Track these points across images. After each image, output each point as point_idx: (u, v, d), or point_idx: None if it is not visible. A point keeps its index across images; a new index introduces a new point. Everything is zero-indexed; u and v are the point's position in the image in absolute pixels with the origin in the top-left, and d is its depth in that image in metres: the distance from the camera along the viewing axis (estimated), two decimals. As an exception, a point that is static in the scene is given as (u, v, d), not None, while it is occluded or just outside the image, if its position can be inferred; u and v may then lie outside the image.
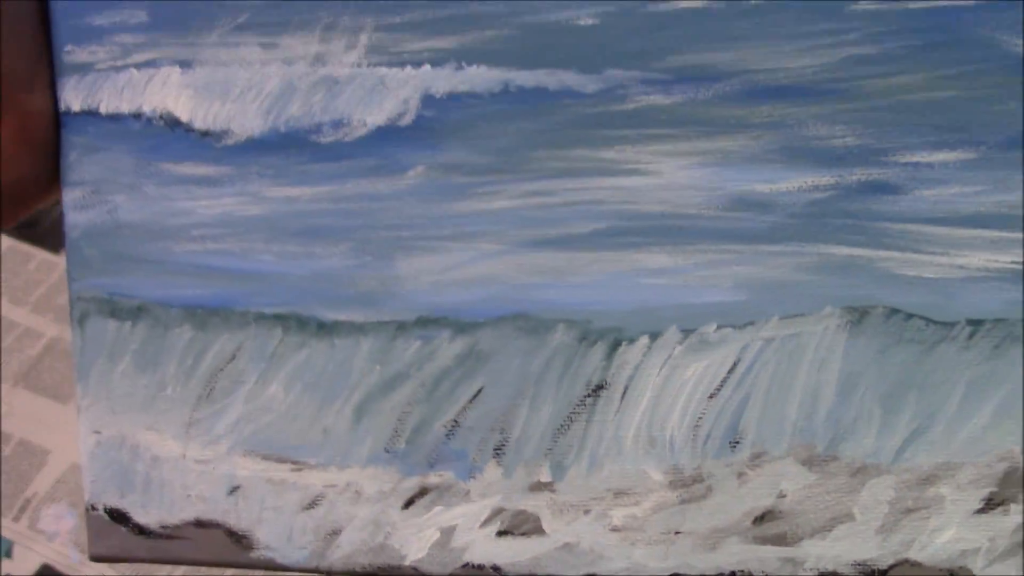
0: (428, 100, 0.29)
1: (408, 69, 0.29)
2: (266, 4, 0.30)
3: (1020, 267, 0.27)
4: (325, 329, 0.30)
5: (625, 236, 0.29)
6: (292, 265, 0.30)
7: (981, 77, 0.27)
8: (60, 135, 0.31)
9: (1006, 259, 0.27)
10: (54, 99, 0.31)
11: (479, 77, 0.29)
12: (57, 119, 0.31)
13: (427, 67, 0.29)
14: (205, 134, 0.31)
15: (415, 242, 0.29)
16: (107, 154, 0.31)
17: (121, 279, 0.31)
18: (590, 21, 0.28)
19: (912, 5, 0.27)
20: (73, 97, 0.31)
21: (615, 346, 0.28)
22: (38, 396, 0.74)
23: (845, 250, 0.28)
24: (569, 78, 0.29)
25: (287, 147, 0.30)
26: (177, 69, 0.31)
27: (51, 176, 0.32)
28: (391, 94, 0.29)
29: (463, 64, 0.29)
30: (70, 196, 0.31)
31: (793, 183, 0.28)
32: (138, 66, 0.31)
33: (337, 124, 0.30)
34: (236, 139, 0.30)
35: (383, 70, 0.29)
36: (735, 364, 0.28)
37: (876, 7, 0.27)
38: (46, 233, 0.78)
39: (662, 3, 0.28)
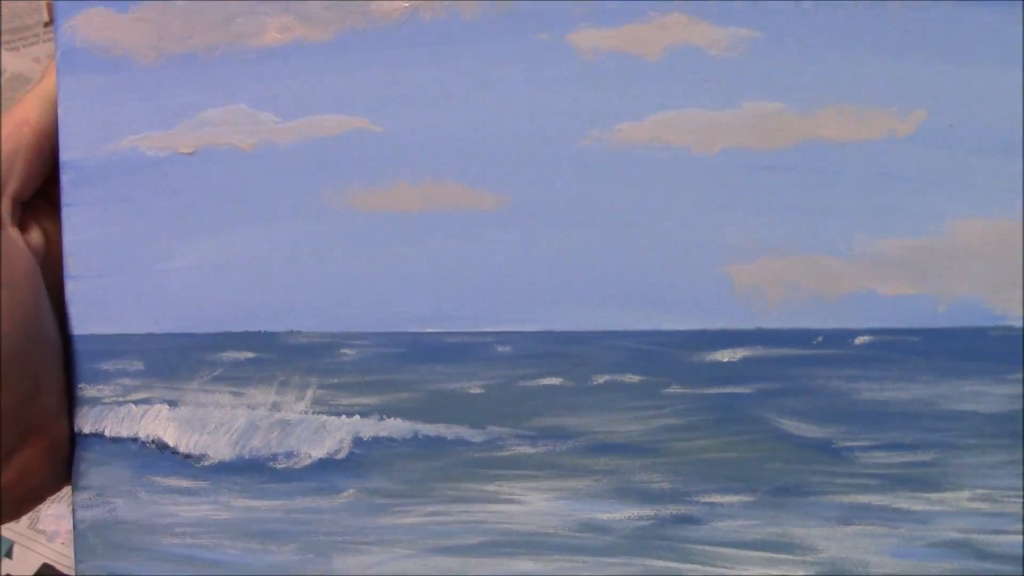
0: (358, 441, 0.40)
1: (343, 418, 0.40)
2: (235, 363, 0.40)
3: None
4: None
5: (502, 548, 0.39)
6: (252, 558, 0.40)
7: (756, 444, 0.38)
8: (73, 451, 0.41)
9: (777, 572, 0.38)
10: (71, 424, 0.41)
11: (396, 427, 0.39)
12: (72, 438, 0.42)
13: (357, 417, 0.40)
14: (187, 456, 0.41)
15: (347, 545, 0.40)
16: (110, 467, 0.41)
17: (120, 563, 0.41)
18: (478, 391, 0.39)
19: (707, 391, 0.38)
20: (84, 422, 0.41)
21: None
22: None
23: (662, 563, 0.39)
24: (462, 431, 0.39)
25: (250, 470, 0.40)
26: (166, 407, 0.41)
27: (63, 479, 0.42)
28: (330, 435, 0.40)
29: (384, 416, 0.40)
30: (79, 497, 0.41)
31: (624, 514, 0.39)
32: (135, 402, 0.41)
33: (289, 455, 0.40)
34: (211, 461, 0.41)
35: (324, 417, 0.40)
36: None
37: (683, 391, 0.38)
38: None
39: (530, 381, 0.39)
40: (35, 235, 0.40)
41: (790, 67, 0.36)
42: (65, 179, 0.40)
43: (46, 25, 0.83)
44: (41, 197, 0.41)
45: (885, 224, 0.36)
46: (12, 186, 0.39)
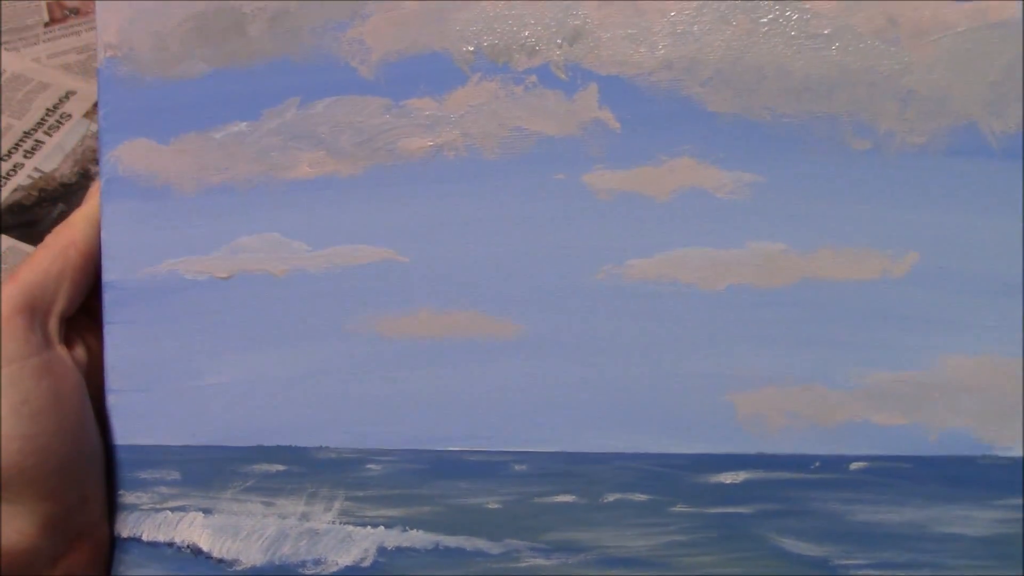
0: (382, 551, 0.42)
1: (368, 528, 0.42)
2: (266, 475, 0.43)
3: None
4: None
5: (518, 653, 0.42)
6: (282, 658, 0.43)
7: (757, 561, 0.41)
8: (113, 553, 0.44)
9: None
10: (111, 528, 0.44)
11: (418, 538, 0.42)
12: (112, 542, 0.44)
13: (382, 528, 0.42)
14: (220, 561, 0.43)
15: (371, 648, 0.42)
16: (147, 570, 0.44)
17: (156, 661, 0.44)
18: (496, 506, 0.42)
19: (711, 511, 0.41)
20: (124, 527, 0.44)
21: None
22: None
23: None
24: (481, 543, 0.42)
25: None
26: (201, 514, 0.43)
27: None
28: (356, 545, 0.42)
29: (407, 528, 0.42)
30: (119, 594, 0.44)
31: (633, 624, 0.41)
32: (172, 509, 0.44)
33: (317, 562, 0.43)
34: (243, 567, 0.43)
35: (351, 528, 0.42)
36: None
37: (689, 510, 0.41)
38: (46, 233, 0.80)
39: (545, 498, 0.41)
40: (79, 350, 0.43)
41: (791, 210, 0.39)
42: (107, 298, 0.43)
43: (46, 25, 0.84)
44: (84, 312, 0.44)
45: (880, 358, 0.39)
46: (59, 305, 0.42)
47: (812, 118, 0.39)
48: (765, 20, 0.39)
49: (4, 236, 0.76)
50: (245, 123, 0.42)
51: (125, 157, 0.42)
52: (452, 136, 0.41)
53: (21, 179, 0.75)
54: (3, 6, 0.82)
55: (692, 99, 0.39)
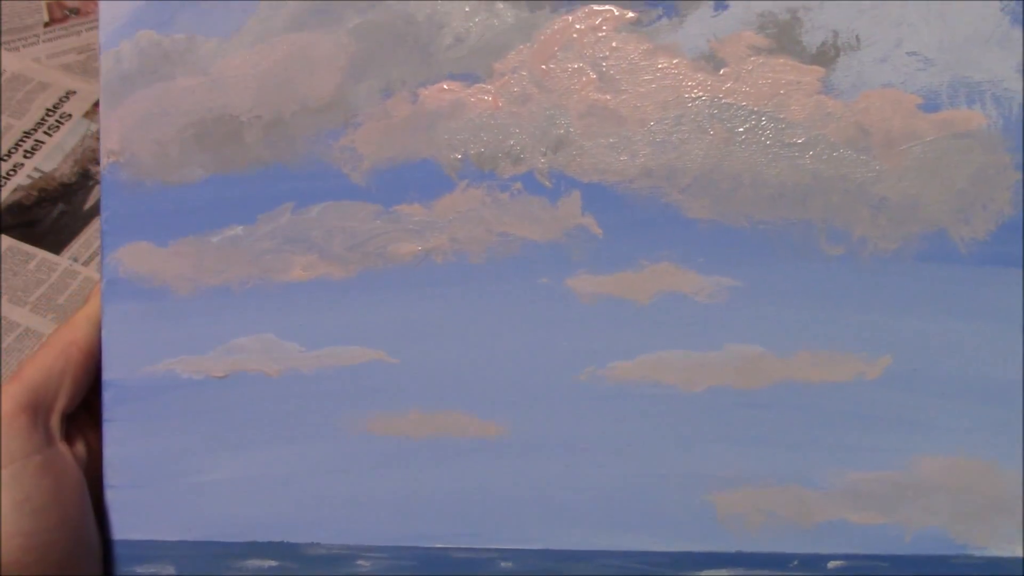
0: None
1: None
2: (259, 570, 0.44)
3: None
4: None
5: None
6: None
7: None
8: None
9: None
10: None
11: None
12: None
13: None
14: (214, 654, 0.44)
15: None
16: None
17: None
18: None
19: None
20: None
21: None
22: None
23: None
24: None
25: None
26: (196, 609, 0.44)
27: None
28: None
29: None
30: None
31: None
32: (168, 604, 0.45)
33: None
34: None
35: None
36: None
37: None
38: (46, 233, 0.77)
39: None
40: (79, 447, 0.44)
41: (768, 314, 0.40)
42: (107, 396, 0.44)
43: (46, 25, 0.85)
44: (84, 409, 0.45)
45: (855, 459, 0.40)
46: (61, 403, 0.43)
47: (788, 224, 0.40)
48: (742, 129, 0.40)
49: (4, 236, 0.76)
50: (241, 227, 0.43)
51: (125, 259, 0.44)
52: (440, 241, 0.42)
53: (21, 179, 0.76)
54: (3, 6, 0.83)
55: (672, 206, 0.41)
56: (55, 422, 0.43)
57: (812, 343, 0.40)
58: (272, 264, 0.43)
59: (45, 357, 0.43)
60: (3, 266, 0.75)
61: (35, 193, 0.74)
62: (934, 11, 0.40)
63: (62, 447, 0.43)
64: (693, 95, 0.41)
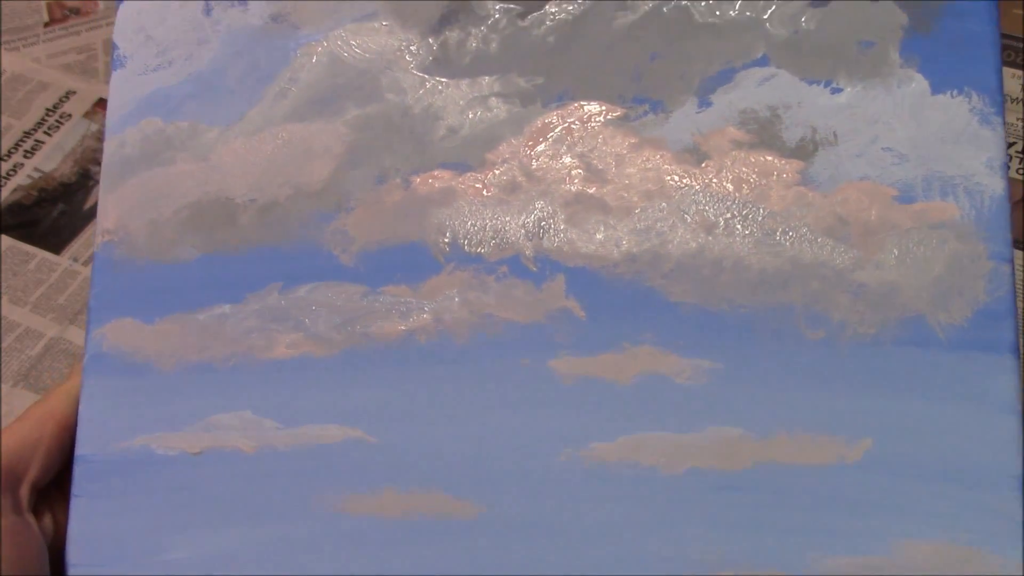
0: None
1: None
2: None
3: None
4: None
5: None
6: None
7: None
8: None
9: None
10: None
11: None
12: None
13: None
14: None
15: None
16: None
17: None
18: None
19: None
20: None
21: None
22: (38, 396, 0.72)
23: None
24: None
25: None
26: None
27: None
28: None
29: None
30: None
31: None
32: None
33: None
34: None
35: None
36: None
37: None
38: (46, 233, 0.77)
39: None
40: (47, 521, 0.43)
41: (748, 396, 0.40)
42: (78, 471, 0.43)
43: (46, 25, 0.85)
44: (56, 486, 0.44)
45: (836, 543, 0.39)
46: (32, 474, 0.43)
47: (768, 309, 0.41)
48: (723, 218, 0.42)
49: (4, 236, 0.77)
50: (229, 306, 0.44)
51: (110, 335, 0.44)
52: (425, 321, 0.42)
53: (21, 179, 0.76)
54: (3, 6, 0.84)
55: (654, 290, 0.42)
56: (24, 492, 0.42)
57: (792, 426, 0.40)
58: (256, 342, 0.43)
59: (21, 427, 0.43)
60: (3, 266, 0.75)
61: (35, 193, 0.75)
62: (907, 111, 0.42)
63: (29, 518, 0.42)
64: (677, 185, 0.42)
